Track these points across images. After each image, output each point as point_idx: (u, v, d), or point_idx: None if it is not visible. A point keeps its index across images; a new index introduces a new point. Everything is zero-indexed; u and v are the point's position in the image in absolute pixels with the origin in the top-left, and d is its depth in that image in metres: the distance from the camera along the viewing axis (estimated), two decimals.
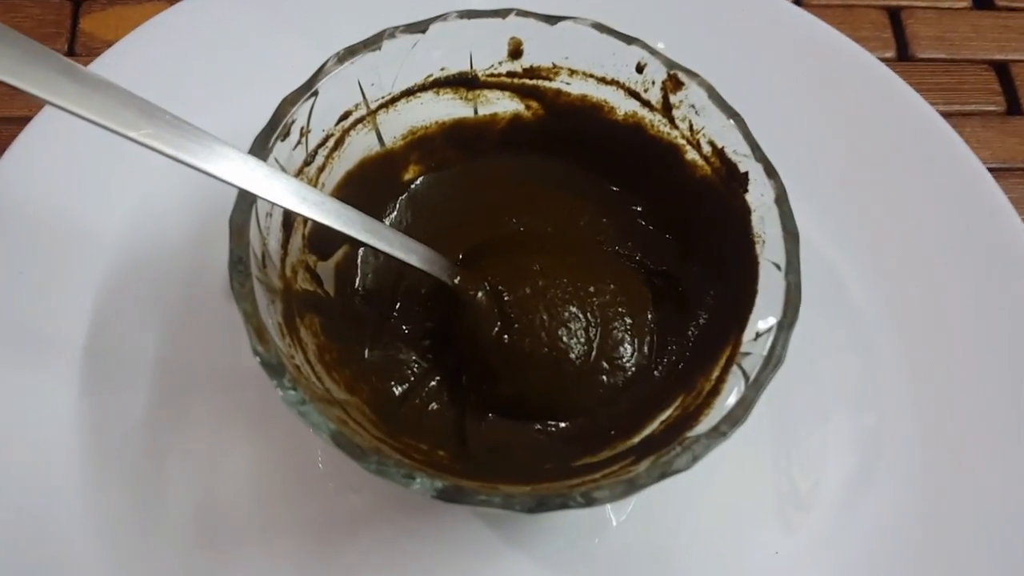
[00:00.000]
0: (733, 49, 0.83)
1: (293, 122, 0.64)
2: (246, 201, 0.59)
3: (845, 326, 0.78)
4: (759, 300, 0.61)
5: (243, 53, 0.82)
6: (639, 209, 0.75)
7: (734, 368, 0.61)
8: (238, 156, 0.56)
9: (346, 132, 0.70)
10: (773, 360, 0.58)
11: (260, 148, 0.61)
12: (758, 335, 0.61)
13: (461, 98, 0.74)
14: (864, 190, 0.84)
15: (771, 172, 0.65)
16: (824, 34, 0.90)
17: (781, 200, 0.64)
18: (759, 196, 0.65)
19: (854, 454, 0.75)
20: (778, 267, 0.62)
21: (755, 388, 0.58)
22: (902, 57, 0.99)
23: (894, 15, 1.04)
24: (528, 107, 0.75)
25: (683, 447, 0.56)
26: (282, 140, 0.63)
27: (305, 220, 0.67)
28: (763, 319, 0.61)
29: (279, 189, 0.58)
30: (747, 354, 0.59)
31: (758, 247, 0.64)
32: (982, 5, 1.02)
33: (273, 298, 0.60)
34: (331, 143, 0.69)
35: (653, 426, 0.63)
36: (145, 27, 0.83)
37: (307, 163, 0.67)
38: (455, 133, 0.74)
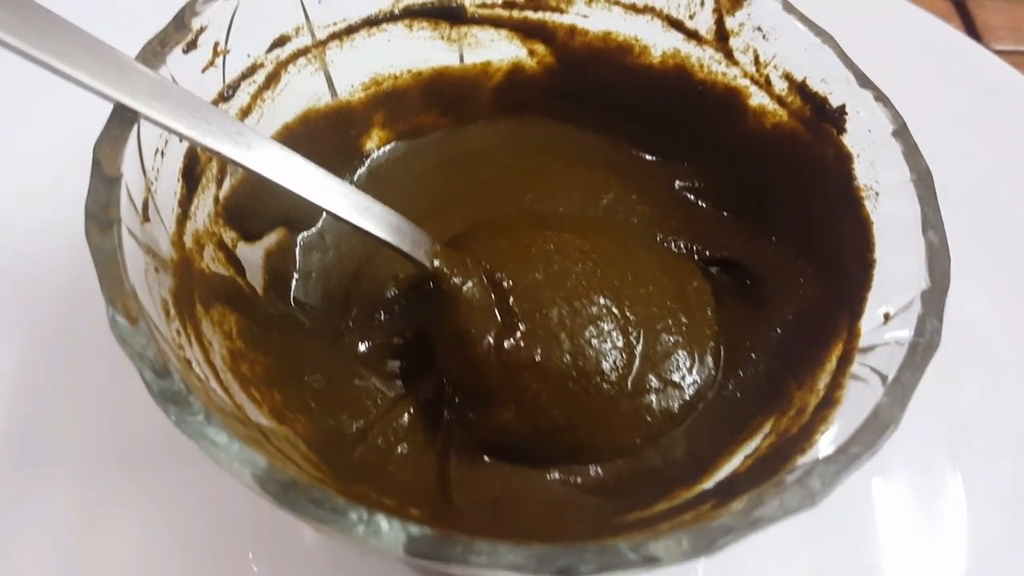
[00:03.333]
0: None
1: (203, 29, 0.48)
2: (122, 120, 0.43)
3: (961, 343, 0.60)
4: (878, 274, 0.48)
5: None
6: (685, 183, 0.62)
7: (855, 368, 0.45)
8: (112, 55, 0.42)
9: (282, 66, 0.55)
10: (923, 345, 0.42)
11: (150, 54, 0.45)
12: (887, 318, 0.45)
13: (442, 37, 0.60)
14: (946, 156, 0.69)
15: (882, 99, 0.50)
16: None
17: (902, 133, 0.48)
18: (865, 134, 0.50)
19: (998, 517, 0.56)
20: (906, 224, 0.46)
21: (900, 389, 0.41)
22: None
23: (959, 4, 0.90)
24: (532, 53, 0.61)
25: (799, 476, 0.37)
26: (185, 51, 0.47)
27: (219, 176, 0.51)
28: (890, 298, 0.45)
29: (174, 108, 0.43)
30: (872, 347, 0.45)
31: (869, 203, 0.49)
32: None
33: (157, 266, 0.42)
34: (260, 78, 0.53)
35: (733, 463, 0.47)
36: None
37: (224, 97, 0.51)
38: (435, 87, 0.62)
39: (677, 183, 0.61)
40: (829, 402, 0.44)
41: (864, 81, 0.50)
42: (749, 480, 0.42)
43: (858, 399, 0.42)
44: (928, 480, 0.57)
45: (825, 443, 0.41)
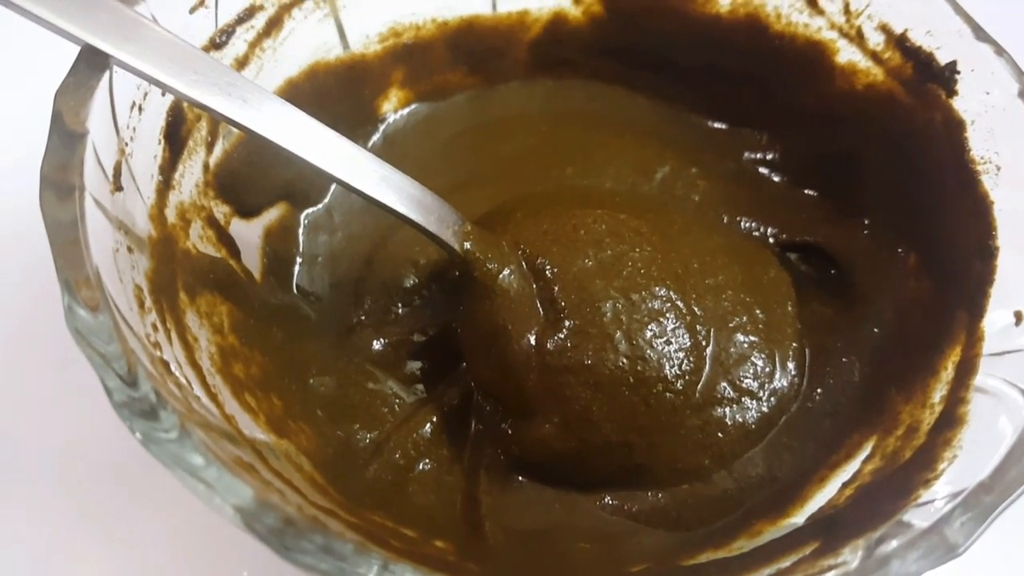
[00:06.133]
0: None
1: None
2: (90, 65, 0.37)
3: None
4: (1003, 265, 0.42)
5: None
6: (756, 154, 0.57)
7: (981, 379, 0.39)
8: None
9: (286, 10, 0.50)
10: None
11: None
12: (1020, 318, 0.40)
13: None
14: None
15: (1003, 54, 0.44)
16: None
17: None
18: (982, 97, 0.45)
19: None
20: None
21: None
22: None
23: None
24: (577, 0, 0.57)
25: (933, 522, 0.32)
26: None
27: (210, 138, 0.47)
28: (1020, 294, 0.40)
29: (152, 52, 0.38)
30: (1002, 354, 0.39)
31: (987, 180, 0.44)
32: None
33: (131, 246, 0.37)
34: (259, 23, 0.48)
35: (826, 492, 0.42)
36: None
37: (216, 44, 0.47)
38: (463, 40, 0.58)
39: (746, 155, 0.56)
40: (951, 421, 0.39)
41: (981, 33, 0.44)
42: (856, 517, 0.37)
43: (989, 418, 0.37)
44: None
45: (954, 475, 0.35)
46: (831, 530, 0.36)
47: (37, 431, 0.53)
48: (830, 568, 0.32)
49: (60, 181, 0.34)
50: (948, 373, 0.41)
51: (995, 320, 0.40)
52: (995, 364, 0.39)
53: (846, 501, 0.39)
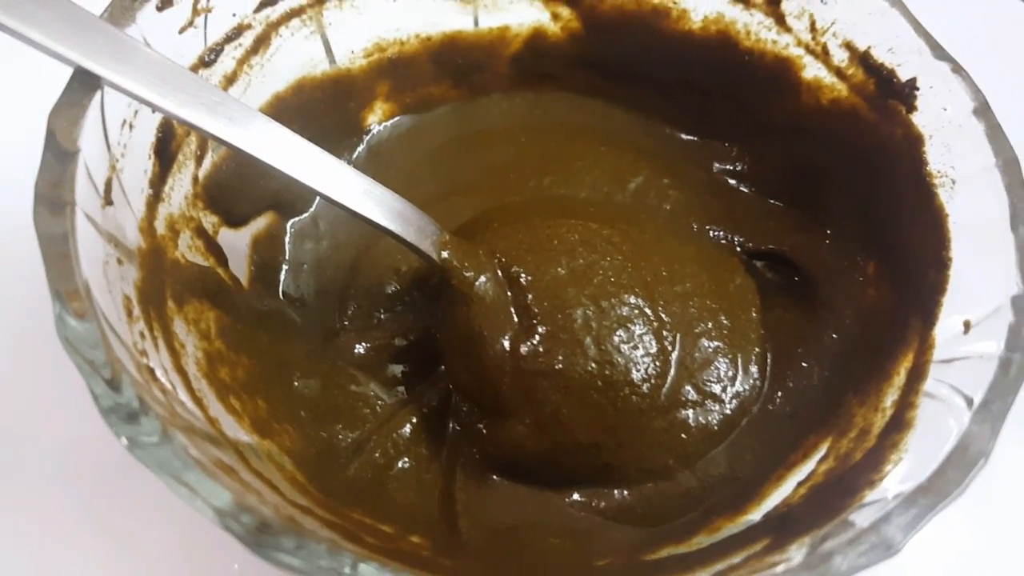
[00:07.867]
0: None
1: None
2: (82, 86, 0.38)
3: None
4: (954, 275, 0.43)
5: None
6: (726, 165, 0.58)
7: (930, 385, 0.40)
8: (71, 10, 0.38)
9: (273, 28, 0.51)
10: (1017, 362, 0.37)
11: (118, 11, 0.42)
12: (968, 327, 0.40)
13: None
14: None
15: (960, 72, 0.45)
16: None
17: (983, 112, 0.44)
18: (939, 112, 0.45)
19: None
20: (988, 217, 0.42)
21: (990, 414, 0.36)
22: None
23: None
24: (555, 17, 0.58)
25: (872, 521, 0.33)
26: (159, 8, 0.44)
27: (199, 152, 0.47)
28: (970, 303, 0.41)
29: (143, 73, 0.39)
30: (951, 361, 0.41)
31: (943, 193, 0.45)
32: None
33: (121, 258, 0.38)
34: (247, 41, 0.49)
35: (783, 490, 0.43)
36: None
37: (205, 63, 0.47)
38: (446, 55, 0.58)
39: (716, 166, 0.57)
40: (900, 424, 0.40)
41: (939, 52, 0.45)
42: (806, 515, 0.38)
43: (935, 423, 0.38)
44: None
45: (899, 476, 0.36)
46: (783, 527, 0.37)
47: (38, 429, 0.53)
48: (776, 564, 0.34)
49: (52, 197, 0.35)
50: (900, 378, 0.42)
51: (946, 328, 0.41)
52: (943, 371, 0.40)
53: (799, 499, 0.40)
